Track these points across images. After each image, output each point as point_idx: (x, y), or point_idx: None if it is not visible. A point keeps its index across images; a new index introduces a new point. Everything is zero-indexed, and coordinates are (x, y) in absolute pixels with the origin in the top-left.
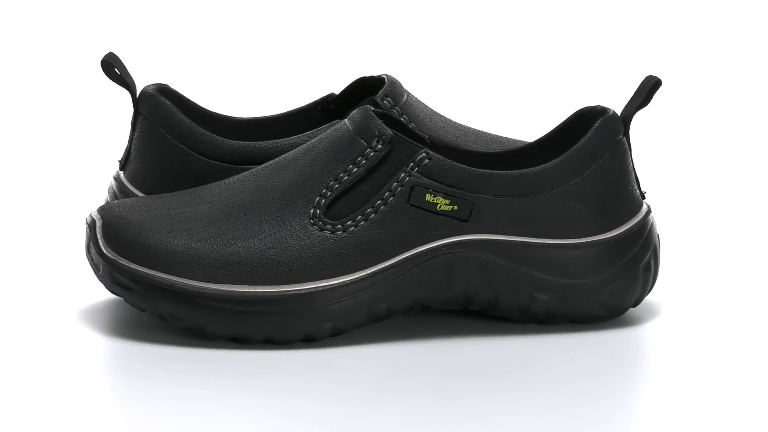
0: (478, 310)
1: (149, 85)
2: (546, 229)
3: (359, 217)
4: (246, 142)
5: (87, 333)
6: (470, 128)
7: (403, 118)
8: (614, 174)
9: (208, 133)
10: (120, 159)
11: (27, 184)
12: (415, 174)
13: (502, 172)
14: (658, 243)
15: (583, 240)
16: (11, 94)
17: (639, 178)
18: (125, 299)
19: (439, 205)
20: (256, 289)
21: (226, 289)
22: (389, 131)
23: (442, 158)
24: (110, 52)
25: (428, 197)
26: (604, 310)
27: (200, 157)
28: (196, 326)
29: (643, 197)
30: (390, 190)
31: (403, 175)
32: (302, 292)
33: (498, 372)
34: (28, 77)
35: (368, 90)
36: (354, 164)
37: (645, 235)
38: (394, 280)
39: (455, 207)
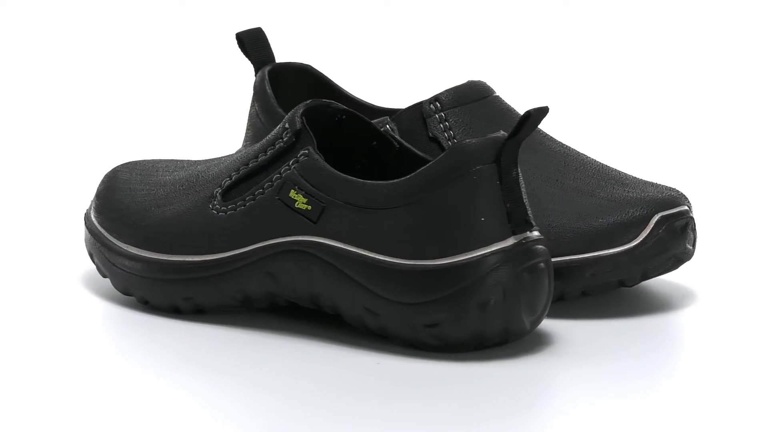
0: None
1: (275, 63)
2: (382, 245)
3: (240, 202)
4: None
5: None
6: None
7: (443, 124)
8: (458, 202)
9: (282, 113)
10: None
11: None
12: (293, 169)
13: (356, 181)
14: (517, 284)
15: (410, 262)
16: (170, 64)
17: (512, 212)
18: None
19: (297, 203)
20: (140, 253)
21: (122, 248)
22: (298, 124)
23: (317, 158)
24: (257, 28)
25: (292, 193)
26: (433, 338)
27: None
28: (106, 277)
29: (514, 232)
30: (271, 181)
31: (285, 167)
32: (165, 262)
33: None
34: (187, 51)
35: None
36: (264, 152)
37: (487, 270)
38: (247, 267)
39: (309, 207)
